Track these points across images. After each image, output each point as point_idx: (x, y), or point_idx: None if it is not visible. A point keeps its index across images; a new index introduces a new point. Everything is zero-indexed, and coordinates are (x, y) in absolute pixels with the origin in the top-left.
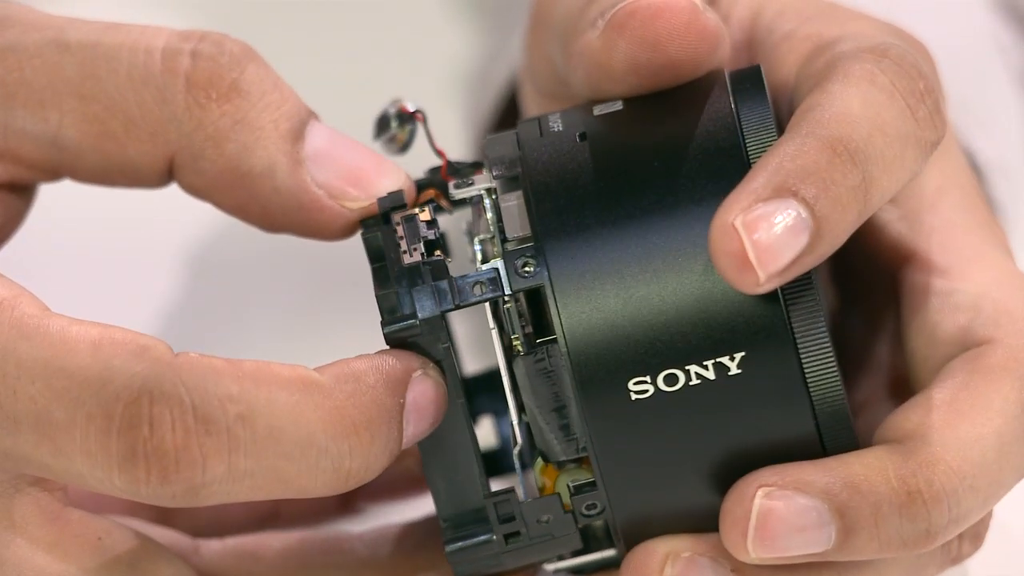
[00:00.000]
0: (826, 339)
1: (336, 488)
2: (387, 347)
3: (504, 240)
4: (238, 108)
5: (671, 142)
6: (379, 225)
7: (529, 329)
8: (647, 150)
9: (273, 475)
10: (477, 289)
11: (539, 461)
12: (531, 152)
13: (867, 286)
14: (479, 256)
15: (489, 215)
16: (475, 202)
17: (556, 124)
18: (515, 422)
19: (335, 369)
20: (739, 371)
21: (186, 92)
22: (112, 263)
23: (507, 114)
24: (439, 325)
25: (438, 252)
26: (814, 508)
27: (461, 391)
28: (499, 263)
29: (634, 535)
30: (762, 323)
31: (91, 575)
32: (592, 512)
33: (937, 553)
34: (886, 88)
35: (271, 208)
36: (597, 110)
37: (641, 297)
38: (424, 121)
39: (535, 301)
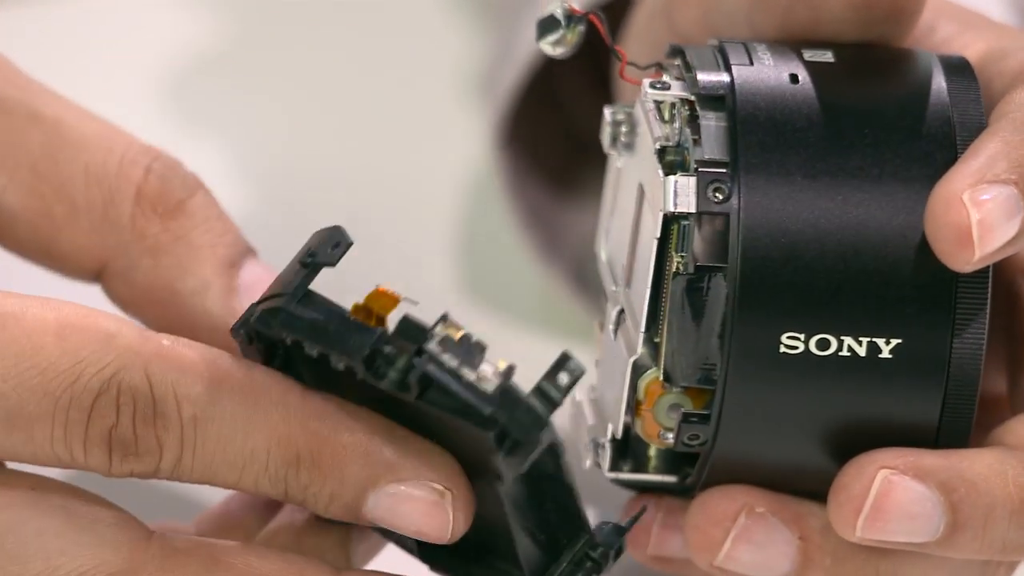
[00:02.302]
0: (980, 351)
1: (280, 500)
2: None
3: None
4: (181, 226)
5: (884, 111)
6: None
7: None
8: (859, 113)
9: (218, 477)
10: None
11: (651, 373)
12: (742, 78)
13: None
14: (660, 167)
15: (676, 125)
16: (649, 106)
17: (766, 57)
18: (641, 333)
19: (320, 404)
20: (889, 356)
21: (134, 202)
22: None
23: (514, 115)
24: None
25: None
26: (930, 498)
27: None
28: (690, 180)
29: (719, 475)
30: (929, 318)
31: (28, 523)
32: (693, 442)
33: (978, 570)
34: None
35: (197, 328)
36: (807, 55)
37: (823, 254)
38: (601, 21)
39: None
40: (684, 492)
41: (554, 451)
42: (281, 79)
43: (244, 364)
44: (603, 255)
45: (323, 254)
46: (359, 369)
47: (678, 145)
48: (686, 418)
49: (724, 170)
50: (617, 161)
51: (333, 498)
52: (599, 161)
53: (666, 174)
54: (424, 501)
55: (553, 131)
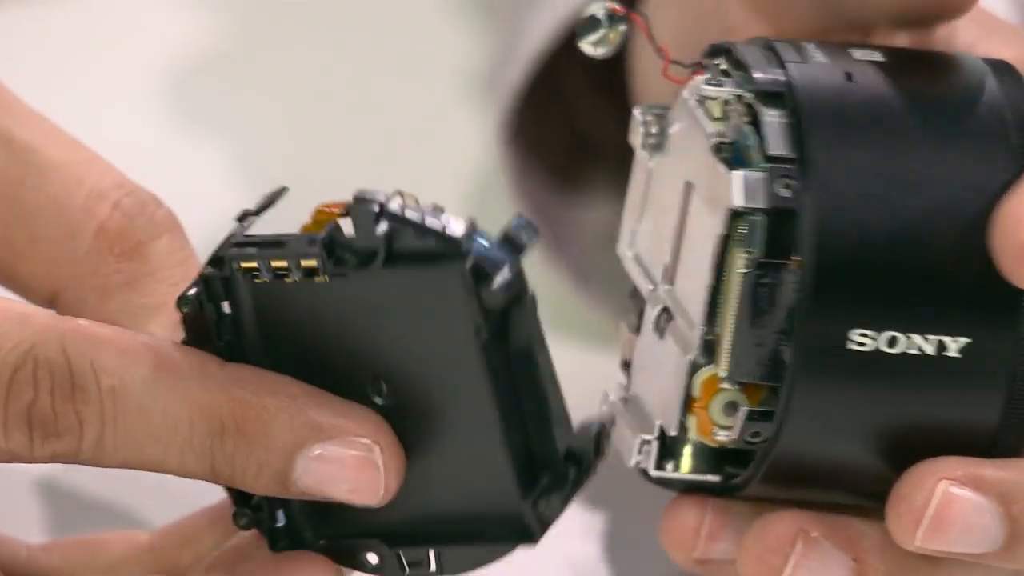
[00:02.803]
0: None
1: (209, 479)
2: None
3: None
4: (134, 270)
5: (942, 109)
6: None
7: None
8: (918, 111)
9: (142, 453)
10: None
11: (707, 370)
12: (799, 75)
13: None
14: (720, 163)
15: (729, 122)
16: (694, 102)
17: (817, 54)
18: (699, 328)
19: (240, 371)
20: (957, 355)
21: (94, 237)
22: None
23: (519, 112)
24: None
25: None
26: (989, 510)
27: None
28: (760, 175)
29: (774, 474)
30: (996, 319)
31: None
32: (755, 440)
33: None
34: None
35: None
36: (858, 55)
37: (894, 251)
38: (645, 21)
39: None
40: (725, 492)
41: (525, 305)
42: (281, 79)
43: (160, 340)
44: (630, 255)
45: (256, 207)
46: (320, 257)
47: (733, 142)
48: (750, 415)
49: (792, 166)
50: (648, 162)
51: (261, 467)
52: (603, 159)
53: (727, 168)
54: (353, 458)
55: (557, 129)
